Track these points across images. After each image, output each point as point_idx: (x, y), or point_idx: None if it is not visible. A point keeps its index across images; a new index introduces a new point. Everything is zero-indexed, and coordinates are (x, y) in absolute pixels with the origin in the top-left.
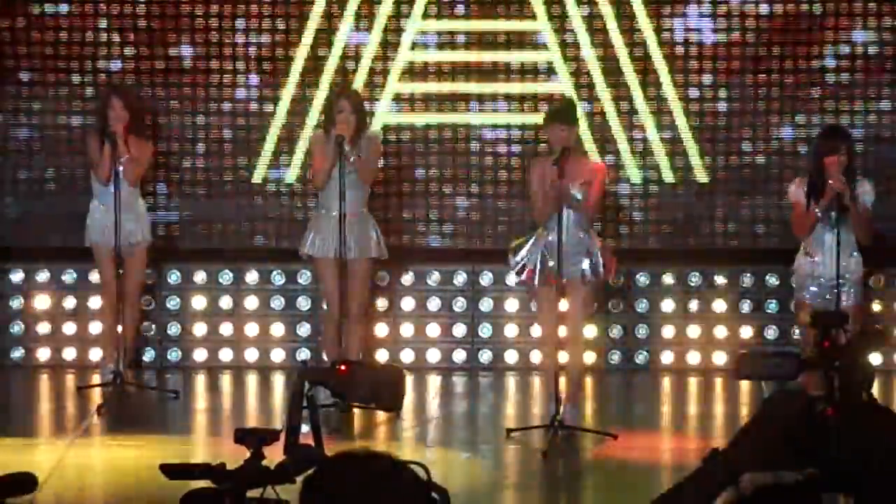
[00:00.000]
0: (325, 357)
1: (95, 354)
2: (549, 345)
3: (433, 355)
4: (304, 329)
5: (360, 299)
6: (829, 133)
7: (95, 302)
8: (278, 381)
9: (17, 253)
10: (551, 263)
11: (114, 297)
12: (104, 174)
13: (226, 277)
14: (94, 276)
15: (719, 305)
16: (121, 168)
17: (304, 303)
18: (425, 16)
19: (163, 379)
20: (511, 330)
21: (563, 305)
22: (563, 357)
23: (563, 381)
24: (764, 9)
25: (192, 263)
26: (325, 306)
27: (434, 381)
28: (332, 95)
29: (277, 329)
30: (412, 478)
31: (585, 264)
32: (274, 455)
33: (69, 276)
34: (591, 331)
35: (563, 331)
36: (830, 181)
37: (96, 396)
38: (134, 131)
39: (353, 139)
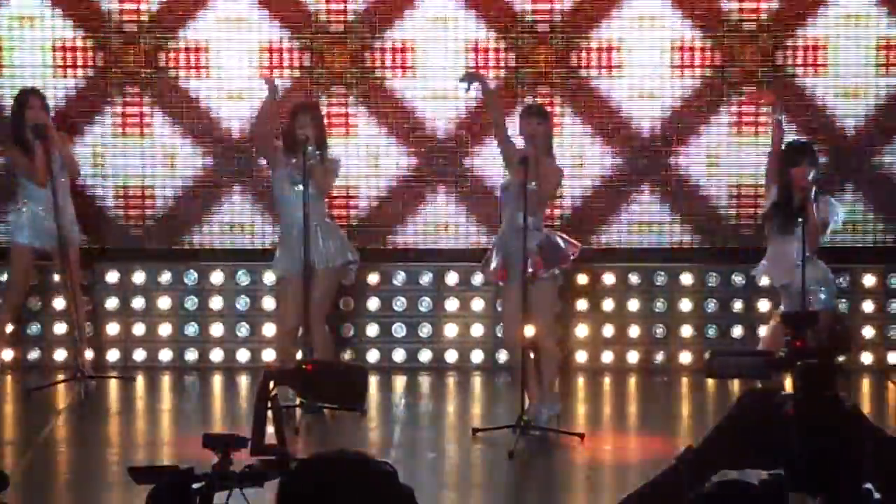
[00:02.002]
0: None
1: (60, 355)
2: (509, 343)
3: (399, 355)
4: (269, 329)
5: (321, 305)
6: (795, 148)
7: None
8: (243, 381)
9: None
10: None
11: (23, 298)
12: (43, 176)
13: (190, 278)
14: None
15: (685, 305)
16: (56, 165)
17: (269, 303)
18: None
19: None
20: (477, 329)
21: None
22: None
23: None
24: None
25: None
26: (279, 319)
27: (400, 381)
28: (292, 111)
29: (246, 330)
30: (385, 476)
31: (529, 262)
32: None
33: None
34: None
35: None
36: (796, 181)
37: (59, 397)
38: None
39: (316, 147)
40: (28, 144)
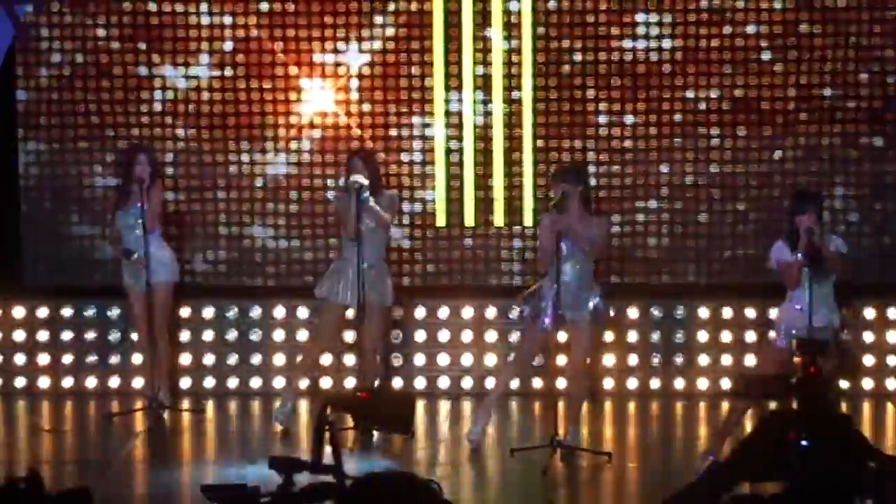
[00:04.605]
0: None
1: (138, 382)
2: (520, 374)
3: (443, 382)
4: (327, 358)
5: (376, 339)
6: (799, 196)
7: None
8: (303, 407)
9: None
10: (556, 305)
11: (144, 332)
12: (150, 222)
13: (255, 313)
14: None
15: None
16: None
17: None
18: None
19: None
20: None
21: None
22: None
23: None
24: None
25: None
26: (312, 337)
27: (444, 406)
28: (347, 157)
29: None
30: (430, 493)
31: (591, 306)
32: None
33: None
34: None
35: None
36: (802, 228)
37: (137, 423)
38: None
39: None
40: (132, 196)
